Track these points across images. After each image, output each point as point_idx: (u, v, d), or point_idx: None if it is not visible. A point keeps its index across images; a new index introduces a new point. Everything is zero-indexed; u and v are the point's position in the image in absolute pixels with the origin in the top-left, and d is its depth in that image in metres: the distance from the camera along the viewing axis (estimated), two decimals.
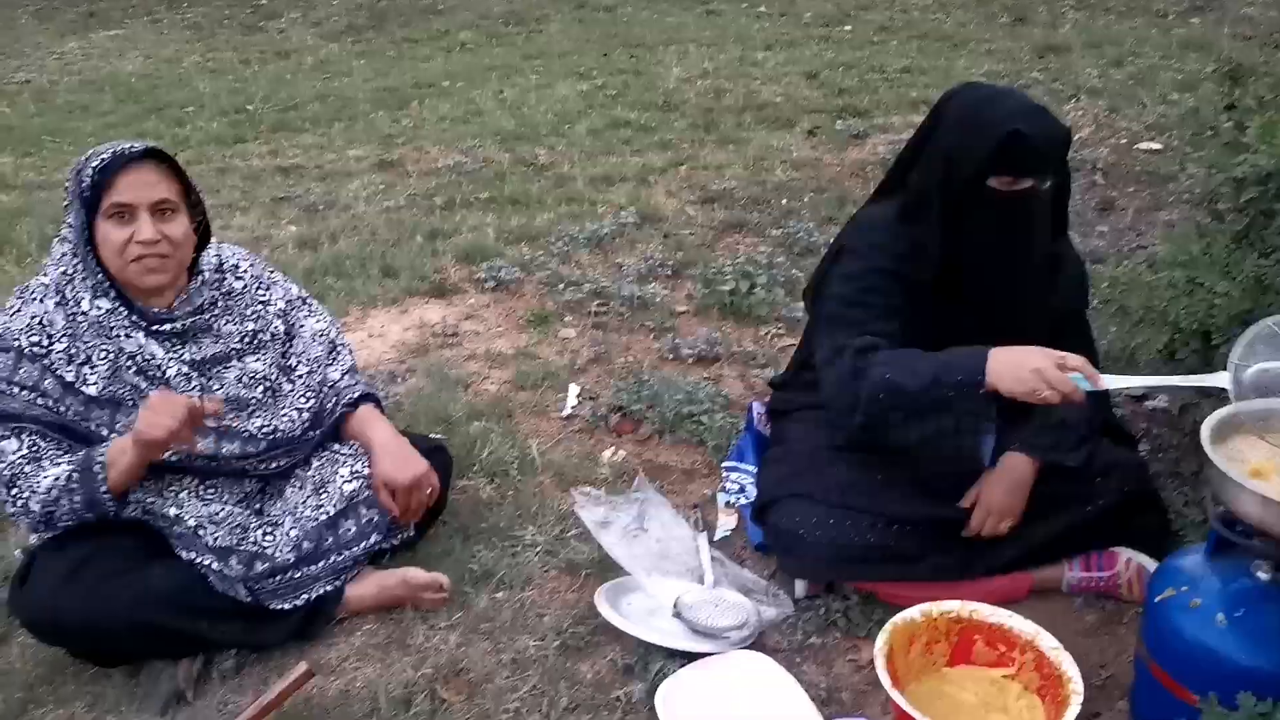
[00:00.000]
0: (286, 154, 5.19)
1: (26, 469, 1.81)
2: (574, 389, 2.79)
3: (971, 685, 1.76)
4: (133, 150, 1.83)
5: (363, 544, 2.04)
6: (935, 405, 1.72)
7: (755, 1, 8.34)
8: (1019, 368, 1.65)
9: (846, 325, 1.85)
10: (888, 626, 1.74)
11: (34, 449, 1.83)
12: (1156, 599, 1.61)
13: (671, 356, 2.94)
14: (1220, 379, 1.68)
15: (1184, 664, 1.55)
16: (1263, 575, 1.51)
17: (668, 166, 4.58)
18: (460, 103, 5.93)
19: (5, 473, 1.80)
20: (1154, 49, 5.96)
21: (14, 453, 1.82)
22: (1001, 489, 1.87)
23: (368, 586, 2.02)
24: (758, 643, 1.90)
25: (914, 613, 1.77)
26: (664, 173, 4.51)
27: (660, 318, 3.16)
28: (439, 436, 2.40)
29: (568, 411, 2.70)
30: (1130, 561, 1.92)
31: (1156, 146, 4.38)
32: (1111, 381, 1.67)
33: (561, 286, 3.39)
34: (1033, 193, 1.79)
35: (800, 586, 1.99)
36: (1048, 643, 1.72)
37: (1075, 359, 1.65)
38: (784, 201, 4.06)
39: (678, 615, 1.92)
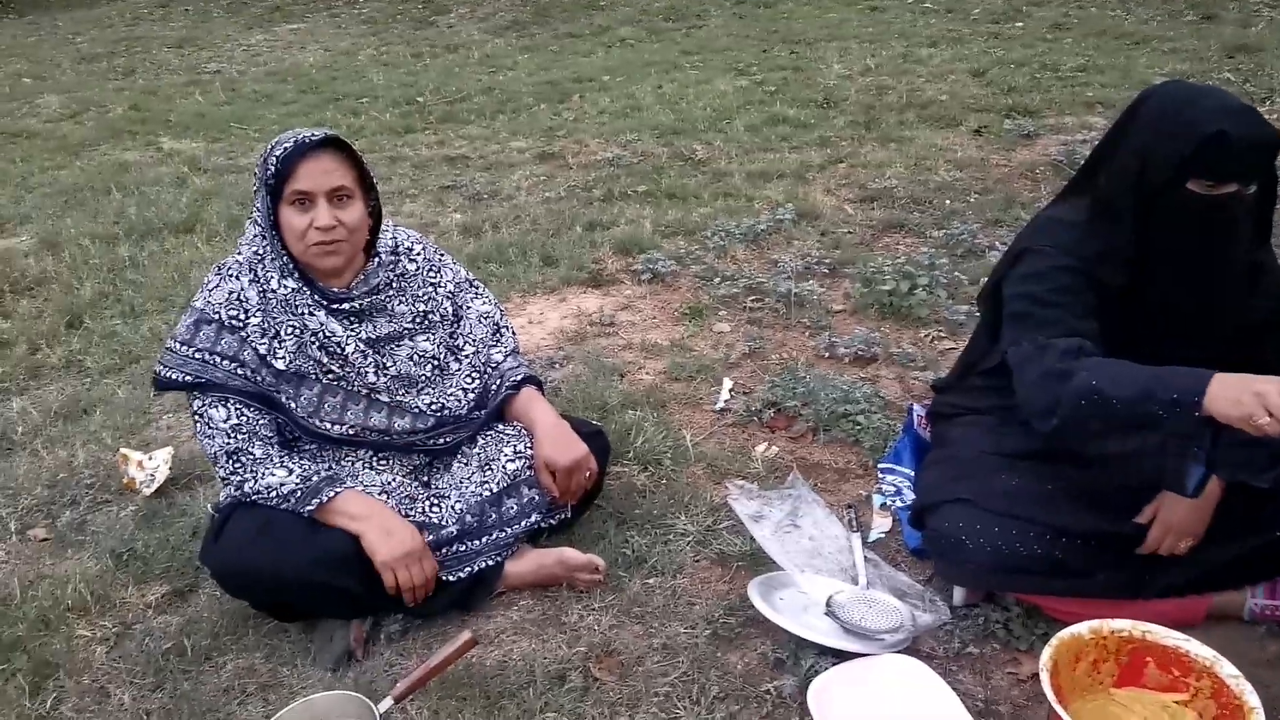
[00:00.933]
0: (453, 144, 5.38)
1: (254, 451, 1.96)
2: (727, 383, 2.80)
3: (1140, 709, 1.68)
4: (313, 139, 1.93)
5: (523, 522, 2.10)
6: (1142, 421, 1.61)
7: None
8: (1241, 391, 1.53)
9: (1043, 324, 1.76)
10: (1054, 641, 1.68)
11: (243, 420, 1.96)
12: None
13: (827, 355, 2.92)
14: None
15: None
16: None
17: (826, 164, 4.54)
18: (619, 97, 6.02)
19: (229, 445, 1.94)
20: None
21: (224, 421, 1.96)
22: (1184, 506, 1.77)
23: (526, 564, 2.08)
24: (912, 648, 1.86)
25: (1082, 628, 1.71)
26: (822, 170, 4.47)
27: (816, 315, 3.14)
28: (597, 423, 2.44)
29: (721, 405, 2.71)
30: None
31: None
32: None
33: (717, 281, 3.40)
34: (1236, 198, 1.70)
35: (959, 594, 1.94)
36: (1228, 670, 1.63)
37: None
38: (947, 202, 3.96)
39: (830, 614, 1.90)
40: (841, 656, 1.82)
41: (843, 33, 7.19)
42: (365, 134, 5.67)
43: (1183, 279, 1.76)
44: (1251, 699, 1.57)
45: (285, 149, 1.91)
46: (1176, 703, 1.68)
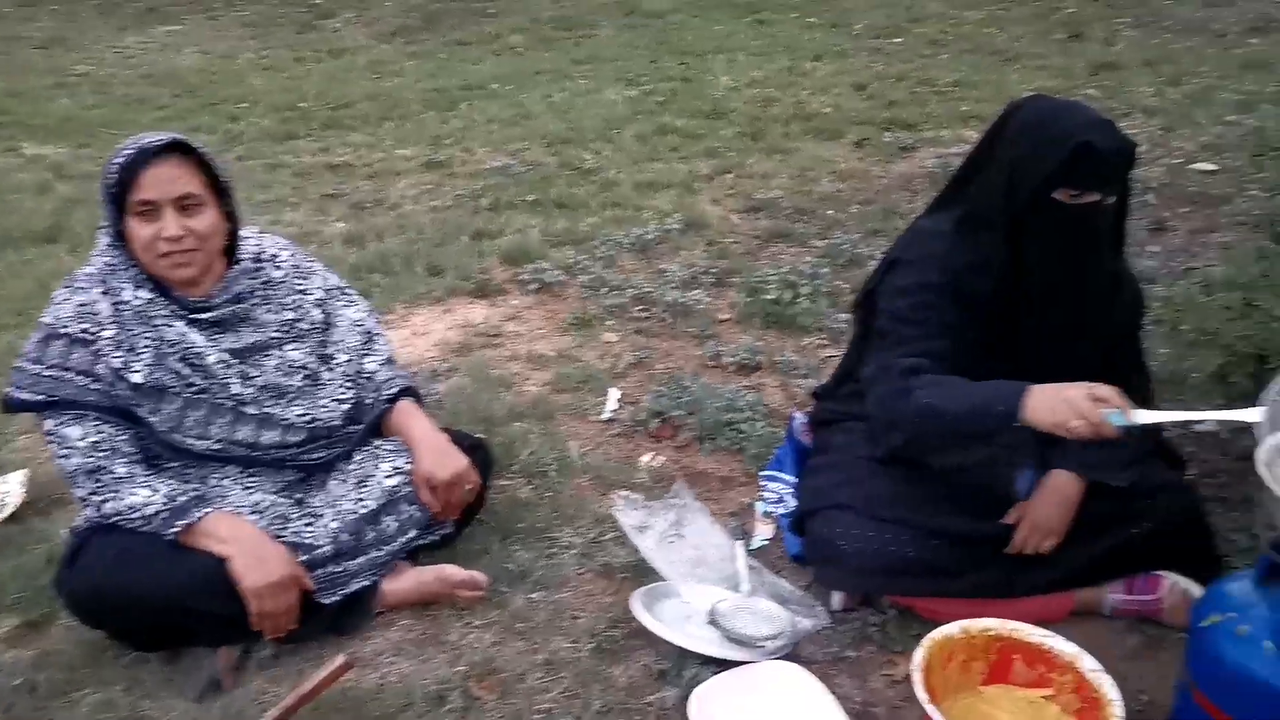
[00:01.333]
0: (336, 152, 5.26)
1: (116, 469, 1.86)
2: (614, 393, 2.79)
3: (1008, 705, 1.74)
4: (155, 144, 1.83)
5: (402, 539, 2.05)
6: (975, 434, 1.71)
7: (806, 12, 8.32)
8: (1054, 400, 1.62)
9: (896, 342, 1.84)
10: (926, 641, 1.72)
11: (101, 438, 1.86)
12: (1202, 624, 1.58)
13: (713, 363, 2.94)
14: (1253, 414, 1.64)
15: (1229, 692, 1.51)
16: None
17: (714, 174, 4.59)
18: (508, 105, 5.98)
19: (88, 463, 1.85)
20: (1212, 68, 5.86)
21: (80, 439, 1.86)
22: (1047, 507, 1.84)
23: (405, 582, 2.03)
24: (792, 654, 1.88)
25: (953, 628, 1.75)
26: (710, 180, 4.51)
27: (703, 324, 3.16)
28: (480, 435, 2.41)
29: (608, 415, 2.71)
30: (1174, 586, 1.89)
31: (1212, 167, 4.30)
32: (1144, 416, 1.64)
33: (604, 290, 3.40)
34: (1098, 208, 1.77)
35: (837, 598, 1.98)
36: (1089, 665, 1.69)
37: (1105, 390, 1.63)
38: (829, 212, 4.04)
39: (713, 622, 1.91)
40: (724, 665, 1.83)
41: (730, 45, 7.28)
42: (243, 140, 5.50)
43: (1050, 287, 1.83)
44: (1111, 692, 1.64)
45: (127, 156, 1.82)
46: (1043, 698, 1.74)
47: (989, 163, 1.86)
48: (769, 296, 3.20)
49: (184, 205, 1.85)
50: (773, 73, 6.40)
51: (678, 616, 1.95)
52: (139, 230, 1.84)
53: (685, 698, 1.76)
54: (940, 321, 1.83)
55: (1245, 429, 2.01)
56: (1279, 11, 7.34)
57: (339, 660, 1.72)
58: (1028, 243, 1.80)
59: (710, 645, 1.85)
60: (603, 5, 8.96)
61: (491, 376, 2.89)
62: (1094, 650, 1.80)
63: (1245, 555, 1.95)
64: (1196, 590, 1.86)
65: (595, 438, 2.62)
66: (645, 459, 2.52)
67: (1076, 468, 1.85)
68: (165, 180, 1.82)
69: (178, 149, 1.85)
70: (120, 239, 1.88)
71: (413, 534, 2.07)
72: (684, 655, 1.85)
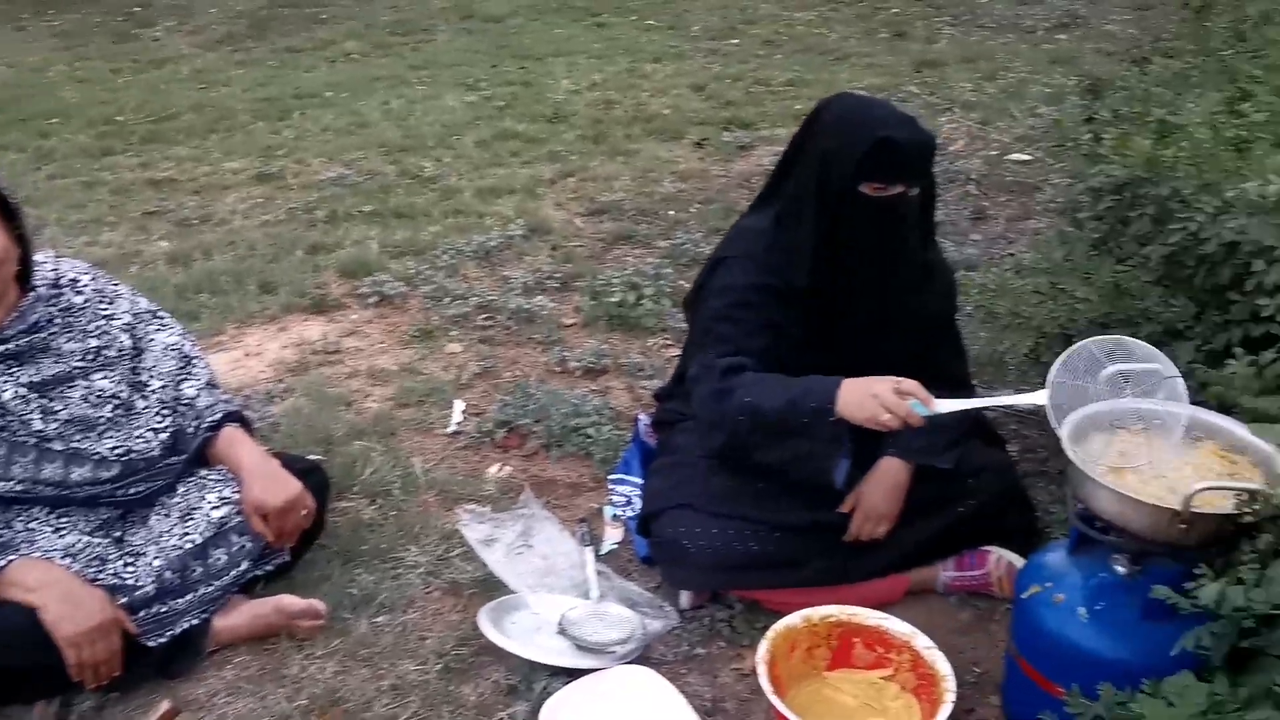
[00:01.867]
0: (159, 166, 4.99)
1: None
2: (459, 405, 2.74)
3: (850, 688, 1.78)
4: None
5: (233, 572, 1.96)
6: (793, 430, 1.76)
7: (644, 15, 8.38)
8: (863, 395, 1.69)
9: (717, 341, 1.87)
10: (769, 633, 1.75)
11: None
12: (1023, 596, 1.66)
13: (559, 369, 2.92)
14: (1038, 397, 1.75)
15: (1048, 658, 1.60)
16: (1120, 569, 1.56)
17: (556, 178, 4.57)
18: (344, 114, 5.80)
19: None
20: (1024, 63, 6.19)
21: None
22: (878, 493, 1.90)
23: (239, 617, 1.94)
24: (643, 656, 1.89)
25: (795, 619, 1.79)
26: (553, 184, 4.49)
27: (548, 330, 3.14)
28: (315, 457, 2.33)
29: (453, 428, 2.65)
30: (1000, 560, 1.98)
31: (1026, 157, 4.54)
32: (944, 405, 1.72)
33: (447, 300, 3.33)
34: (903, 199, 1.83)
35: (685, 598, 1.99)
36: (922, 643, 1.75)
37: (909, 384, 1.70)
38: (671, 213, 4.08)
39: (563, 632, 1.90)
40: (575, 674, 1.82)
41: (570, 48, 7.27)
42: (56, 157, 5.15)
43: (862, 277, 1.89)
44: (943, 667, 1.70)
45: None
46: (882, 678, 1.80)
47: (801, 158, 1.91)
48: (613, 299, 3.20)
49: None
50: (613, 75, 6.42)
51: (527, 629, 1.93)
52: None
53: (536, 710, 1.74)
54: (759, 320, 1.87)
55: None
56: (1084, 9, 7.86)
57: (163, 707, 1.63)
58: (839, 234, 1.86)
59: (559, 656, 1.83)
60: (440, 10, 8.81)
61: (330, 395, 2.79)
62: (929, 627, 1.87)
63: (1064, 526, 2.05)
64: (1020, 563, 1.95)
65: (440, 452, 2.57)
66: (492, 470, 2.48)
67: (903, 453, 1.91)
68: None
69: None
70: None
71: (245, 566, 1.97)
72: (534, 668, 1.83)
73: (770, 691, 1.62)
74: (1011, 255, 3.29)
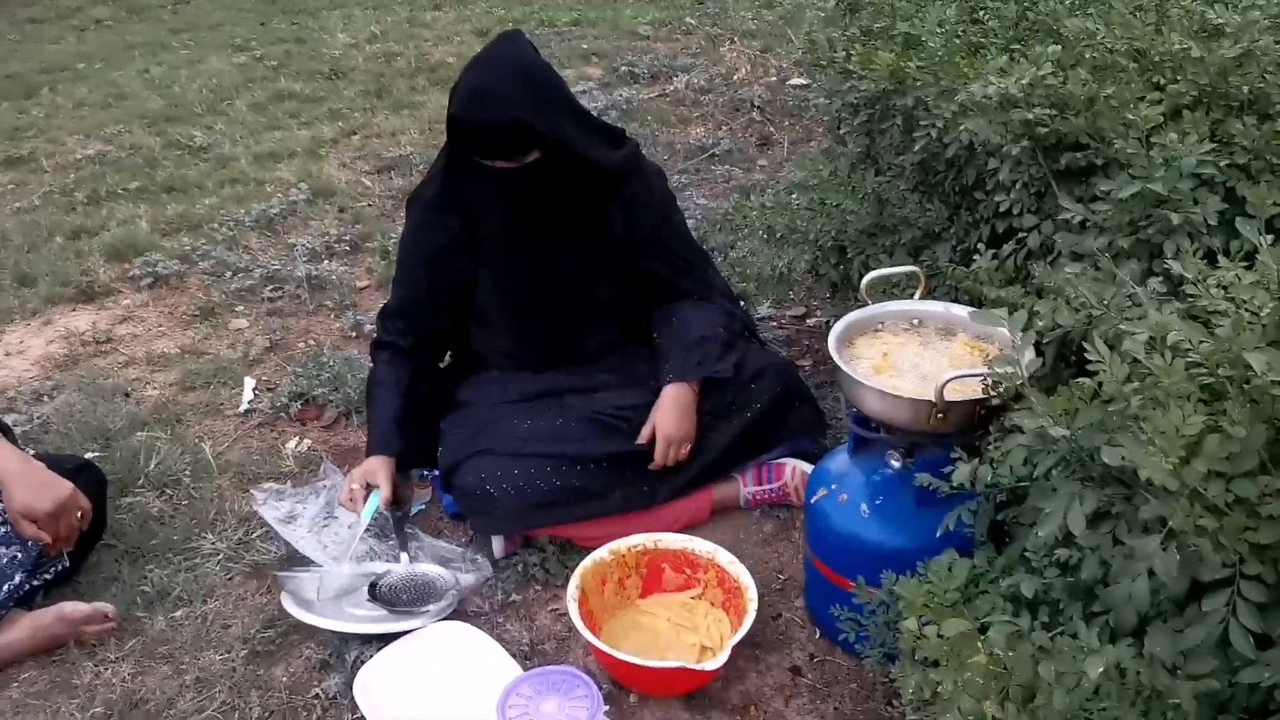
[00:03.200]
0: None
1: None
2: (249, 382, 2.63)
3: (664, 611, 1.83)
4: None
5: (6, 587, 1.82)
6: None
7: None
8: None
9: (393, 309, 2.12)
10: (578, 570, 1.77)
11: None
12: (811, 500, 1.74)
13: (354, 335, 2.84)
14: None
15: (838, 555, 1.68)
16: (894, 464, 1.65)
17: (339, 137, 4.39)
18: (100, 86, 5.38)
19: None
20: None
21: None
22: (672, 419, 1.94)
23: (19, 631, 1.81)
24: (459, 611, 1.87)
25: (603, 552, 1.82)
26: (335, 144, 4.31)
27: (340, 296, 3.04)
28: (89, 455, 2.18)
29: (244, 407, 2.54)
30: (795, 470, 2.06)
31: (804, 81, 4.67)
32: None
33: (229, 275, 3.17)
34: (506, 170, 1.84)
35: (498, 546, 1.98)
36: (725, 559, 1.81)
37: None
38: None
39: (374, 599, 1.86)
40: (389, 640, 1.79)
41: (344, 0, 6.96)
42: None
43: (503, 234, 1.96)
44: (745, 579, 1.77)
45: None
46: (692, 598, 1.85)
47: None
48: None
49: None
50: (392, 25, 6.20)
51: (338, 601, 1.87)
52: None
53: (351, 681, 1.71)
54: (411, 275, 2.05)
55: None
56: None
57: None
58: (470, 186, 1.92)
59: (369, 624, 1.80)
60: None
61: (105, 387, 2.62)
62: (736, 542, 1.95)
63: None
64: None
65: (233, 434, 2.45)
66: (290, 445, 2.39)
67: (681, 375, 1.95)
68: None
69: None
70: None
71: (19, 579, 1.83)
72: (346, 639, 1.79)
73: (582, 627, 1.64)
74: (790, 177, 3.39)
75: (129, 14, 7.03)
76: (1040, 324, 1.31)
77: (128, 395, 2.61)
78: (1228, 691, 0.98)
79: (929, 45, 1.97)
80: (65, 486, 1.86)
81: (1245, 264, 1.17)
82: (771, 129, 4.24)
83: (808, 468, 2.06)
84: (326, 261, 3.23)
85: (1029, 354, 1.28)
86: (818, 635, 1.80)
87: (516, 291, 2.01)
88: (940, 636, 1.13)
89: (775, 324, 2.74)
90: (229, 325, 2.93)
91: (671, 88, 4.70)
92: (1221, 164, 1.46)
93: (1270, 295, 1.10)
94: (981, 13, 2.19)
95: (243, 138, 4.44)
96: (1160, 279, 1.29)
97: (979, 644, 1.09)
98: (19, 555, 1.84)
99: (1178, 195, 1.43)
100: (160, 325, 2.96)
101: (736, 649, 1.67)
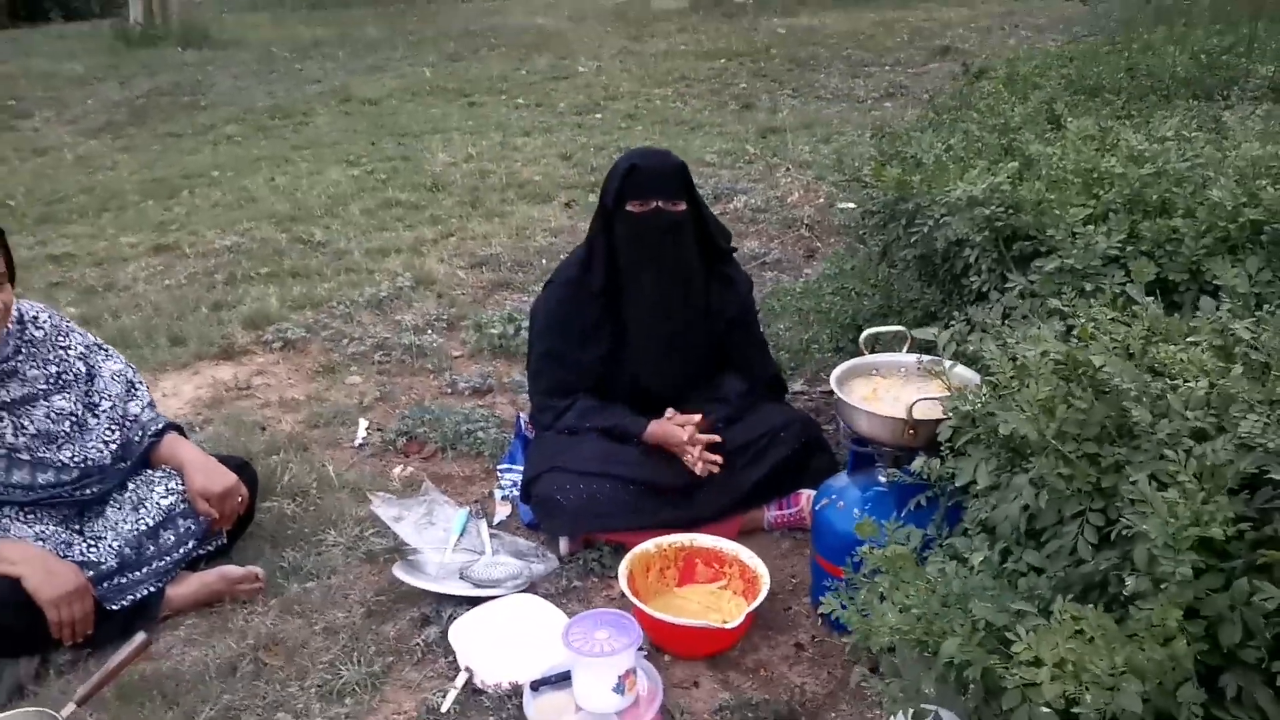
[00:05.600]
0: (55, 244, 5.26)
1: None
2: (363, 423, 3.16)
3: (695, 597, 2.26)
4: None
5: (181, 550, 2.33)
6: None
7: (513, 95, 9.01)
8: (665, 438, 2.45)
9: (546, 382, 2.62)
10: (628, 556, 2.23)
11: None
12: (816, 509, 2.18)
13: (449, 391, 3.37)
14: None
15: (835, 549, 2.10)
16: (883, 479, 2.10)
17: (439, 238, 5.04)
18: (231, 190, 6.17)
19: None
20: (854, 128, 7.00)
21: None
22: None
23: (189, 585, 2.31)
24: (530, 591, 2.32)
25: (648, 545, 2.27)
26: (435, 243, 4.96)
27: (438, 360, 3.59)
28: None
29: (359, 441, 3.06)
30: (810, 497, 2.50)
31: (851, 205, 5.22)
32: None
33: (345, 342, 3.75)
34: (663, 212, 2.44)
35: (564, 545, 2.44)
36: (747, 556, 2.25)
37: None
38: (544, 262, 4.59)
39: (464, 578, 2.32)
40: (476, 604, 2.24)
41: (445, 126, 7.80)
42: None
43: (639, 276, 2.49)
44: (762, 570, 2.20)
45: None
46: (720, 588, 2.28)
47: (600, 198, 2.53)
48: (494, 331, 3.67)
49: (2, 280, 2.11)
50: (486, 148, 6.96)
51: (435, 579, 2.34)
52: None
53: (445, 634, 2.16)
54: (568, 347, 2.55)
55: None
56: (906, 80, 8.83)
57: (139, 638, 1.98)
58: (619, 244, 2.48)
59: (463, 589, 2.26)
60: (318, 95, 9.28)
61: (246, 422, 3.17)
62: (758, 554, 2.37)
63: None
64: None
65: (349, 460, 2.97)
66: (397, 470, 2.90)
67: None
68: None
69: None
70: None
71: (191, 545, 2.35)
72: (442, 601, 2.26)
73: (629, 592, 2.09)
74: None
75: (256, 132, 7.96)
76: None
77: (263, 429, 3.15)
78: (1072, 578, 1.40)
79: (925, 163, 2.49)
80: (231, 476, 2.39)
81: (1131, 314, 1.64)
82: (818, 244, 4.78)
83: None
84: (427, 334, 3.80)
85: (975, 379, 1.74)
86: (819, 623, 2.22)
87: (643, 353, 2.54)
88: (886, 558, 1.56)
89: (806, 396, 3.20)
90: (345, 380, 3.49)
91: (731, 206, 5.29)
92: (1127, 249, 1.94)
93: (1131, 329, 1.56)
94: (977, 142, 2.73)
95: (355, 236, 5.12)
96: (1061, 322, 1.76)
97: (912, 562, 1.53)
98: (193, 527, 2.35)
99: (1091, 270, 1.91)
100: (289, 379, 3.53)
101: (751, 627, 2.09)
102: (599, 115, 8.09)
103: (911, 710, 1.46)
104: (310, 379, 3.52)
